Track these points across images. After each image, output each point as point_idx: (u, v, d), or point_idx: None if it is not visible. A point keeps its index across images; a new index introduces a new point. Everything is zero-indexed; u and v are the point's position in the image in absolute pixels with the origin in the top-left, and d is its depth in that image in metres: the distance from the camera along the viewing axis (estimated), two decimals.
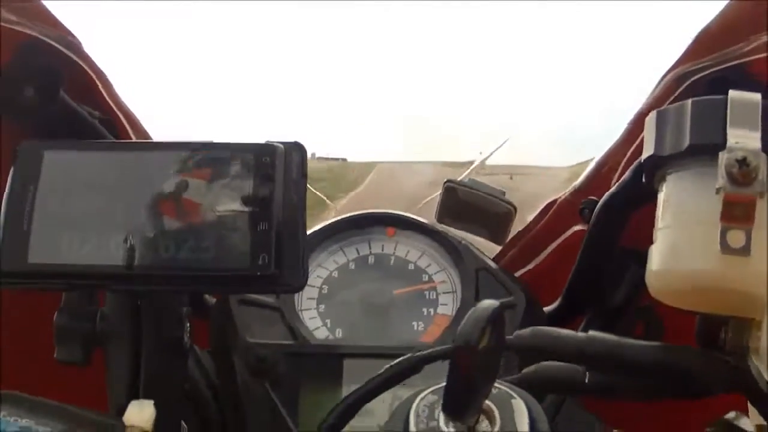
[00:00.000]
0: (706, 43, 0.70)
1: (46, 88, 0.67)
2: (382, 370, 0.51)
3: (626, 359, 0.49)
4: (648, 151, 0.51)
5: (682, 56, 0.71)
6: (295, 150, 0.52)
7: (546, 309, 0.75)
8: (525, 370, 0.51)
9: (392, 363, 0.50)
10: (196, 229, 0.49)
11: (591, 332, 0.50)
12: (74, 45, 0.69)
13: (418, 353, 0.50)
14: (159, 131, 0.81)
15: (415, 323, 0.71)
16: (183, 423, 0.56)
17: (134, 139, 0.75)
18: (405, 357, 0.50)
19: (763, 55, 0.64)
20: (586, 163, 0.88)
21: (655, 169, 0.52)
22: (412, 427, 0.44)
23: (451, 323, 0.70)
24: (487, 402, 0.44)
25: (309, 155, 0.53)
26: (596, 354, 0.49)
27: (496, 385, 0.45)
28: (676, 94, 0.70)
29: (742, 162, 0.45)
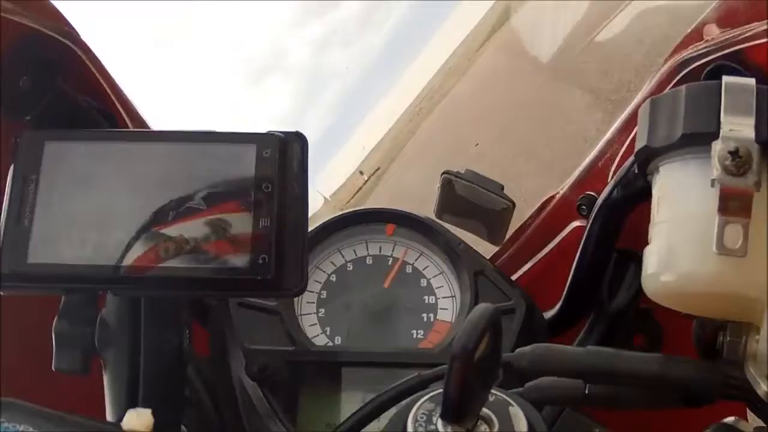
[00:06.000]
0: (704, 29, 0.69)
1: (42, 77, 0.67)
2: (389, 389, 0.51)
3: (624, 373, 0.49)
4: (641, 142, 0.51)
5: (681, 43, 0.70)
6: (296, 141, 0.51)
7: (546, 314, 0.74)
8: (527, 384, 0.51)
9: (399, 381, 0.51)
10: (196, 228, 0.48)
11: (589, 347, 0.50)
12: (72, 35, 0.69)
13: (424, 373, 0.51)
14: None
15: (414, 331, 0.71)
16: (183, 428, 0.56)
17: (132, 128, 0.74)
18: (412, 377, 0.51)
19: (763, 41, 0.63)
20: None
21: (649, 161, 0.51)
22: (410, 428, 0.44)
23: (451, 330, 0.70)
24: (485, 409, 0.44)
25: None
26: (595, 370, 0.49)
27: (494, 392, 0.45)
28: (675, 81, 0.69)
29: (735, 153, 0.45)
